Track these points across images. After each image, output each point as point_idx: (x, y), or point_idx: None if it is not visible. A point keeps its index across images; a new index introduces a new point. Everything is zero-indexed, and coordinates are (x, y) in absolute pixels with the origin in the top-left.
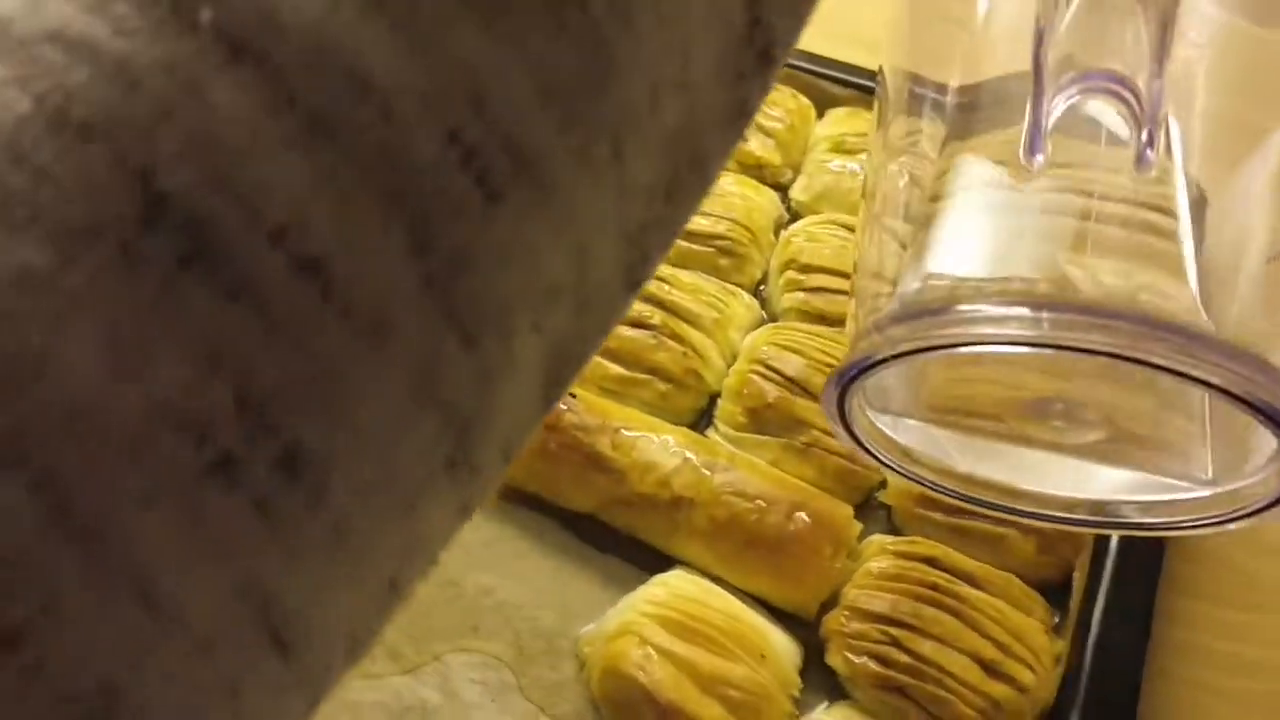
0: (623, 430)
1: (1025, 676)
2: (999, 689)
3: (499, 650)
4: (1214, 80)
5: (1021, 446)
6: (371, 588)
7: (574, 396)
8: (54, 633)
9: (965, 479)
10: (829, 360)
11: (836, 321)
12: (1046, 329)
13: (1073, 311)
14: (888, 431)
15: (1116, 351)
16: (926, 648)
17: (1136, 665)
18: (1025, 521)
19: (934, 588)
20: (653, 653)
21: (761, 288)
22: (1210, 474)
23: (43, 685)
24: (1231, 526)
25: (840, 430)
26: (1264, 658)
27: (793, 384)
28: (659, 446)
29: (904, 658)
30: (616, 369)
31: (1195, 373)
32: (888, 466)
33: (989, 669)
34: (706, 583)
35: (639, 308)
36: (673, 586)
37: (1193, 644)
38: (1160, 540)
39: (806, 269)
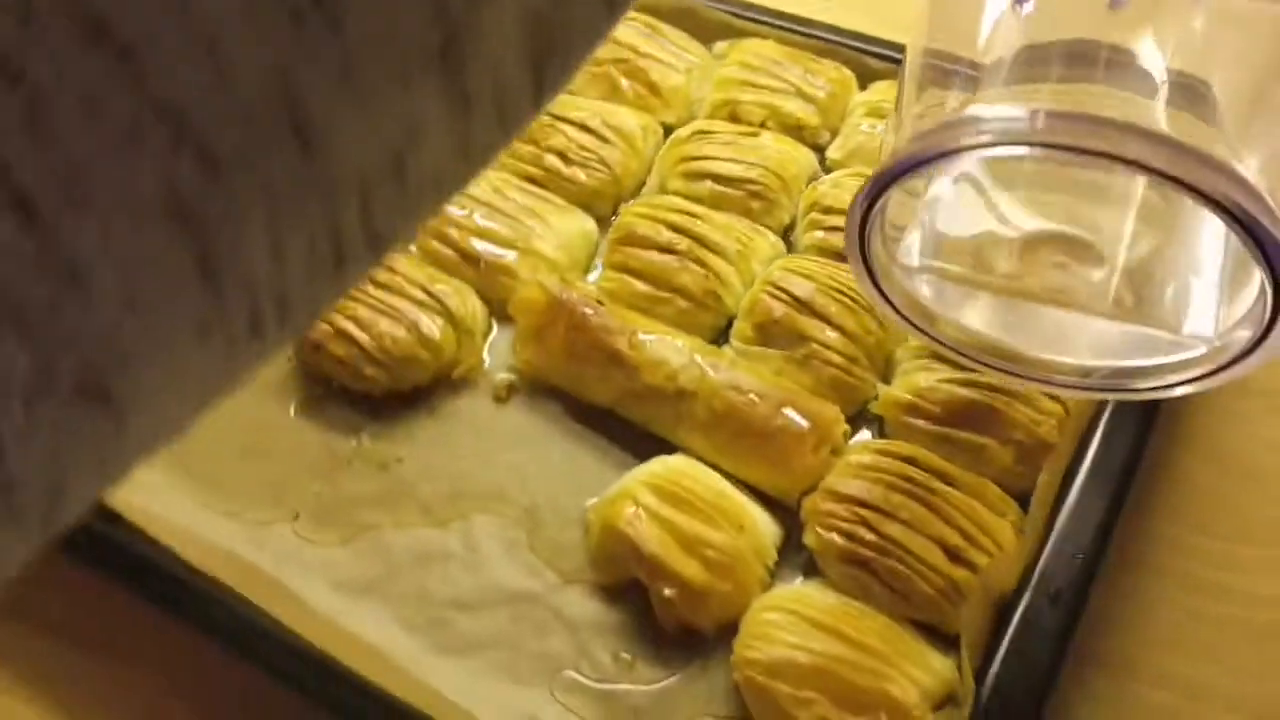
0: (640, 334)
1: (986, 564)
2: (960, 573)
3: (517, 515)
4: None
5: (1034, 303)
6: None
7: (601, 304)
8: None
9: (978, 342)
10: (838, 286)
11: None
12: (1041, 128)
13: (1066, 118)
14: (906, 284)
15: (1105, 150)
16: (893, 529)
17: (1090, 557)
18: (1033, 386)
19: (908, 480)
20: (643, 513)
21: (790, 236)
22: (1212, 329)
23: None
24: (1222, 377)
25: (860, 269)
26: (1215, 580)
27: (799, 303)
28: (670, 348)
29: (870, 535)
30: (644, 287)
31: (1173, 172)
32: (904, 319)
33: (952, 555)
34: (702, 465)
35: (668, 236)
36: (670, 464)
37: (1148, 561)
38: (1133, 459)
39: (828, 210)
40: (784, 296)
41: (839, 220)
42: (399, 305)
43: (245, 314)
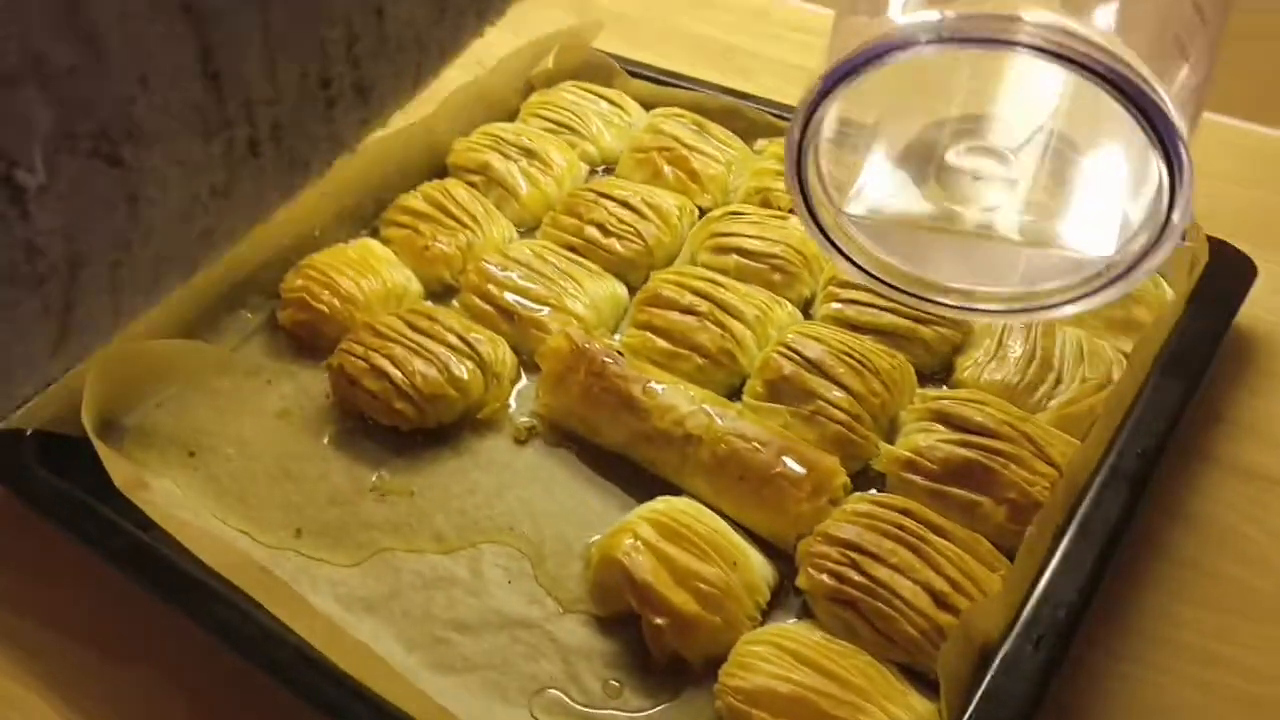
0: (653, 382)
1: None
2: (945, 618)
3: (524, 547)
4: None
5: (953, 234)
6: None
7: (621, 355)
8: None
9: (904, 275)
10: (848, 350)
11: (865, 329)
12: (950, 24)
13: (971, 16)
14: (835, 210)
15: (1002, 38)
16: (882, 572)
17: (1073, 617)
18: (952, 314)
19: (901, 528)
20: (641, 545)
21: (810, 310)
22: (1114, 246)
23: None
24: (1117, 288)
25: (795, 190)
26: (1202, 647)
27: (809, 363)
28: (680, 395)
29: (859, 577)
30: (664, 344)
31: (1066, 52)
32: (833, 247)
33: (939, 600)
34: (702, 506)
35: (690, 299)
36: (672, 503)
37: (1131, 624)
38: (1122, 522)
39: (844, 284)
40: (795, 356)
41: (854, 294)
42: (433, 348)
43: (244, 128)
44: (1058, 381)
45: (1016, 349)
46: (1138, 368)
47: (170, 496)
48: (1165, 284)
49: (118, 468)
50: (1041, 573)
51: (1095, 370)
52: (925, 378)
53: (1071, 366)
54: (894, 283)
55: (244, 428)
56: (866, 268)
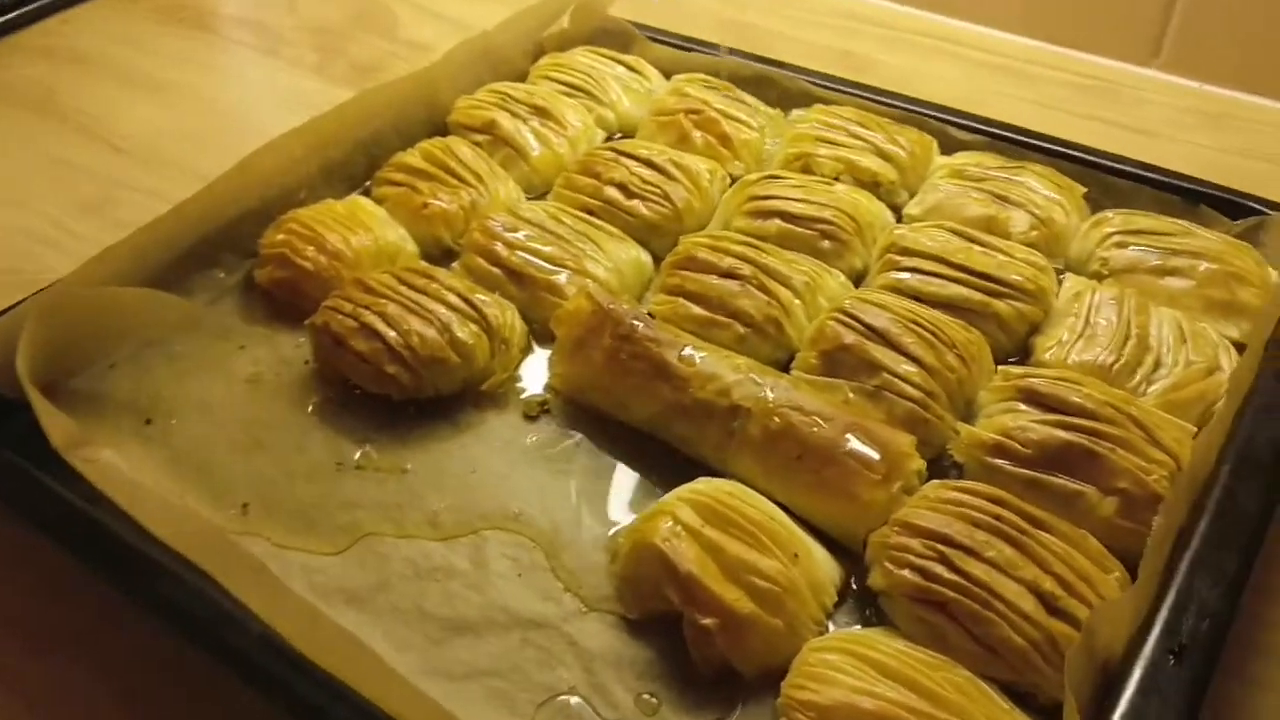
0: (690, 348)
1: (1086, 615)
2: (1058, 625)
3: (535, 535)
4: None
5: None
6: None
7: (652, 316)
8: None
9: None
10: (915, 318)
11: (930, 303)
12: None
13: None
14: None
15: None
16: (977, 569)
17: (1221, 620)
18: None
19: (996, 518)
20: (681, 530)
21: (862, 284)
22: None
23: None
24: None
25: None
26: None
27: (872, 331)
28: (724, 363)
29: (950, 574)
30: (699, 310)
31: None
32: None
33: (1048, 605)
34: (751, 490)
35: (730, 262)
36: (716, 484)
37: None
38: (1262, 515)
39: (906, 252)
40: (855, 324)
41: (919, 262)
42: (433, 307)
43: None
44: (1157, 365)
45: (1106, 325)
46: (1255, 350)
47: (115, 463)
48: (1269, 267)
49: (55, 425)
50: (1171, 573)
51: (1200, 353)
52: (1000, 364)
53: (1173, 349)
54: None
55: (209, 392)
56: None
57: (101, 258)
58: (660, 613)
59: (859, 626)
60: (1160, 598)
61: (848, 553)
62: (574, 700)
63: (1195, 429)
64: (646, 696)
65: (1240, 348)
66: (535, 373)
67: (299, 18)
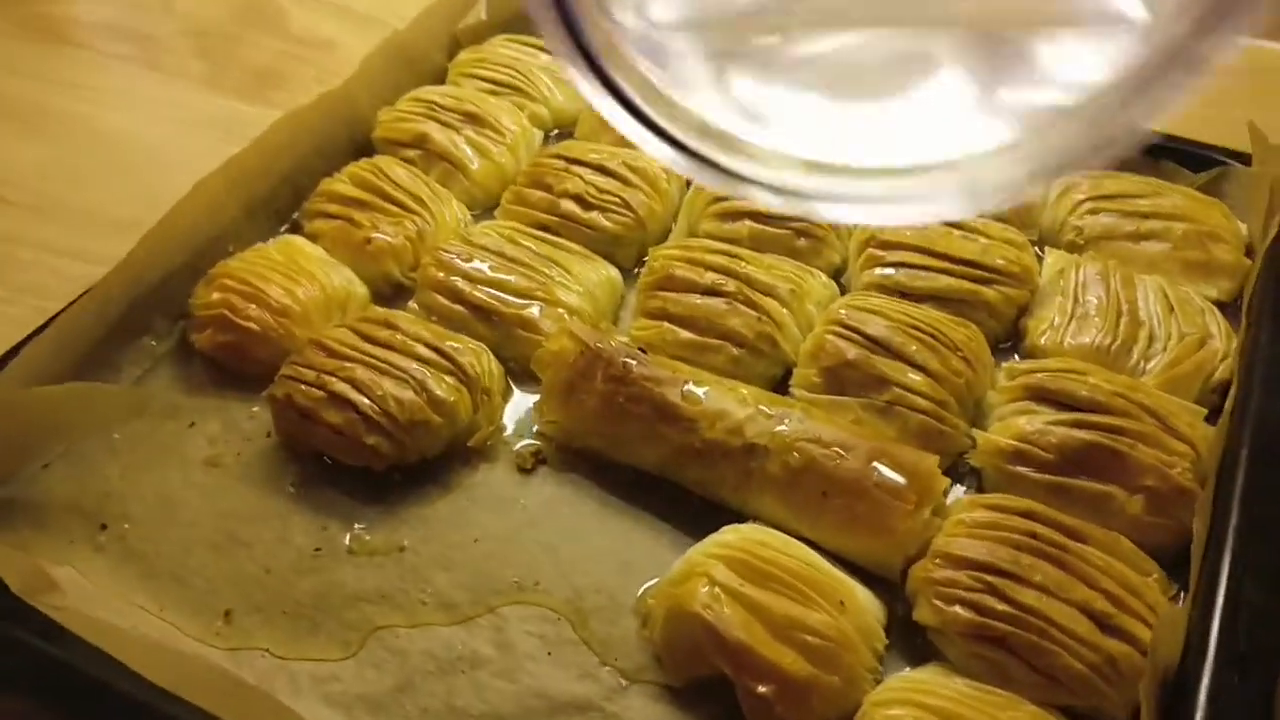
0: (692, 383)
1: (1143, 633)
2: (1114, 645)
3: (557, 605)
4: None
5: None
6: None
7: (644, 352)
8: None
9: (741, 144)
10: (914, 323)
11: (918, 297)
12: None
13: None
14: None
15: None
16: (1028, 596)
17: (1272, 619)
18: (849, 216)
19: (1033, 536)
20: (720, 593)
21: (842, 279)
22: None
23: None
24: (1178, 74)
25: (552, 26)
26: None
27: (873, 342)
28: (731, 397)
29: (1002, 606)
30: (687, 334)
31: None
32: (605, 90)
33: (1101, 623)
34: (779, 533)
35: (712, 277)
36: (744, 533)
37: None
38: None
39: (886, 245)
40: (855, 336)
41: (901, 255)
42: (404, 364)
43: None
44: (1151, 340)
45: (1095, 304)
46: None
47: (86, 593)
48: (1236, 219)
49: (10, 565)
50: (1214, 576)
51: (1190, 323)
52: (993, 350)
53: (1163, 320)
54: (725, 159)
55: (166, 484)
56: (671, 130)
57: (24, 359)
58: (706, 676)
59: (908, 668)
60: (1209, 603)
61: (884, 582)
62: None
63: (1204, 410)
64: None
65: (1221, 306)
66: (519, 417)
67: (177, 20)
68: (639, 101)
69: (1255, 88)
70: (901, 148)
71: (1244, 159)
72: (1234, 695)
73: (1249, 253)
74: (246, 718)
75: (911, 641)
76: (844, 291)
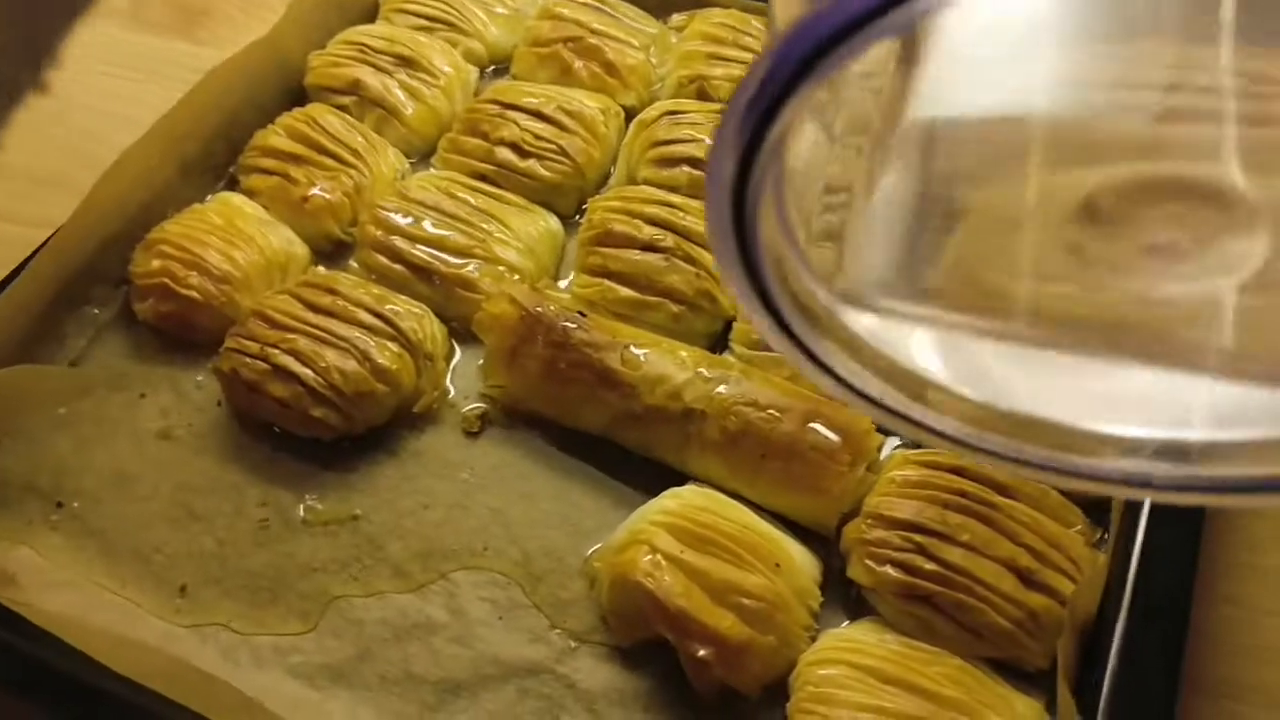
0: (632, 346)
1: (1064, 586)
2: (1036, 599)
3: (508, 569)
4: None
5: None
6: None
7: (583, 315)
8: None
9: (955, 402)
10: None
11: None
12: None
13: None
14: (827, 305)
15: None
16: (955, 555)
17: (1186, 575)
18: (1063, 482)
19: (963, 494)
20: (662, 560)
21: None
22: None
23: None
24: None
25: (734, 267)
26: None
27: None
28: (670, 361)
29: (930, 565)
30: (628, 292)
31: None
32: (823, 371)
33: (1025, 578)
34: (720, 495)
35: (650, 231)
36: (685, 498)
37: (1249, 564)
38: None
39: (830, 189)
40: None
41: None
42: (345, 333)
43: None
44: None
45: None
46: None
47: (43, 577)
48: None
49: None
50: (1132, 527)
51: None
52: None
53: None
54: (958, 433)
55: (120, 458)
56: (898, 408)
57: None
58: (652, 638)
59: (846, 619)
60: (1126, 554)
61: (821, 537)
62: None
63: None
64: None
65: None
66: (464, 377)
67: None
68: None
69: None
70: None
71: None
72: (1146, 641)
73: None
74: (210, 705)
75: (847, 594)
76: None
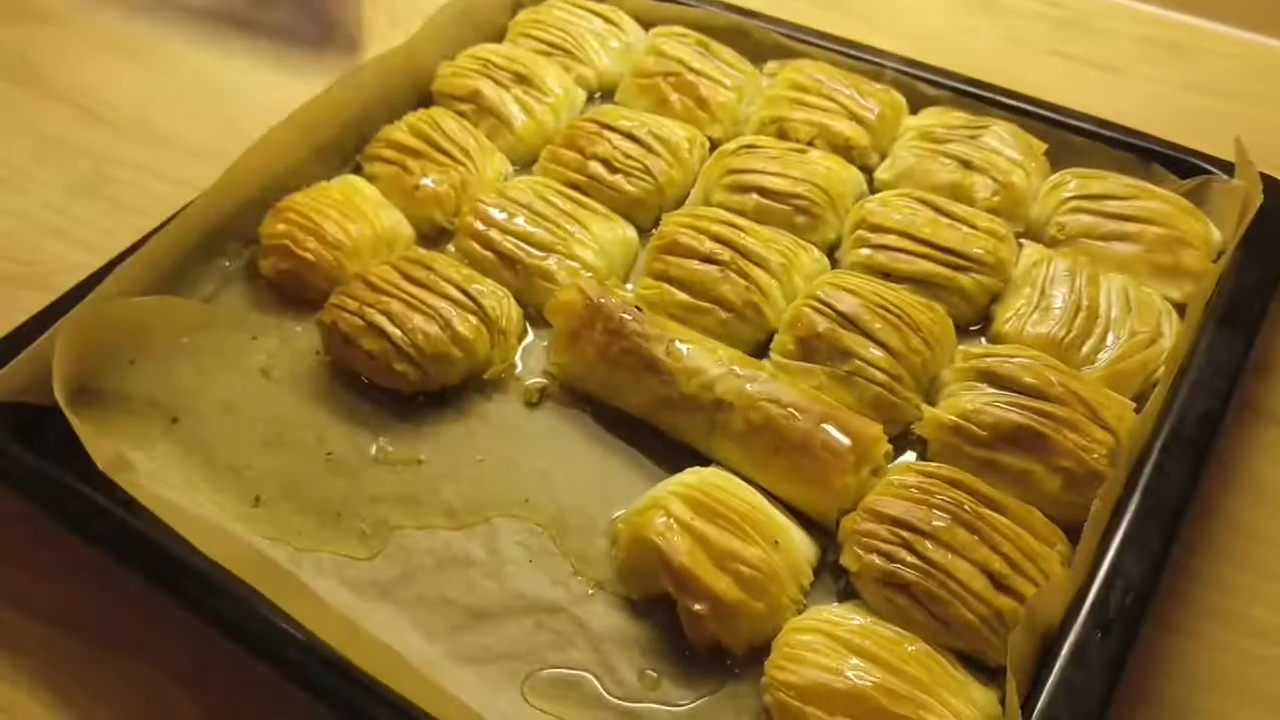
0: (678, 341)
1: (1031, 592)
2: (1004, 601)
3: (542, 521)
4: None
5: None
6: None
7: (639, 310)
8: None
9: None
10: (884, 303)
11: (898, 278)
12: None
13: None
14: None
15: None
16: (935, 553)
17: (1143, 599)
18: None
19: (953, 503)
20: (674, 523)
21: (836, 254)
22: None
23: None
24: None
25: None
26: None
27: (844, 318)
28: (708, 357)
29: (911, 558)
30: (683, 296)
31: None
32: None
33: (997, 582)
34: (736, 478)
35: (711, 246)
36: (704, 475)
37: (1216, 605)
38: (1186, 495)
39: (876, 229)
40: (828, 311)
41: (888, 239)
42: (434, 303)
43: None
44: (1105, 334)
45: (1060, 298)
46: (1192, 323)
47: (155, 474)
48: (1213, 225)
49: (99, 448)
50: (1104, 550)
51: (1144, 322)
52: (962, 331)
53: (1119, 318)
54: None
55: (230, 389)
56: None
57: (119, 275)
58: (658, 594)
59: (835, 602)
60: (1093, 574)
61: (822, 528)
62: (586, 677)
63: (1135, 405)
64: (649, 673)
65: (1182, 309)
66: (532, 355)
67: None
68: None
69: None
70: None
71: (1234, 170)
72: (1094, 651)
73: (1219, 259)
74: (276, 589)
75: (839, 581)
76: (835, 267)
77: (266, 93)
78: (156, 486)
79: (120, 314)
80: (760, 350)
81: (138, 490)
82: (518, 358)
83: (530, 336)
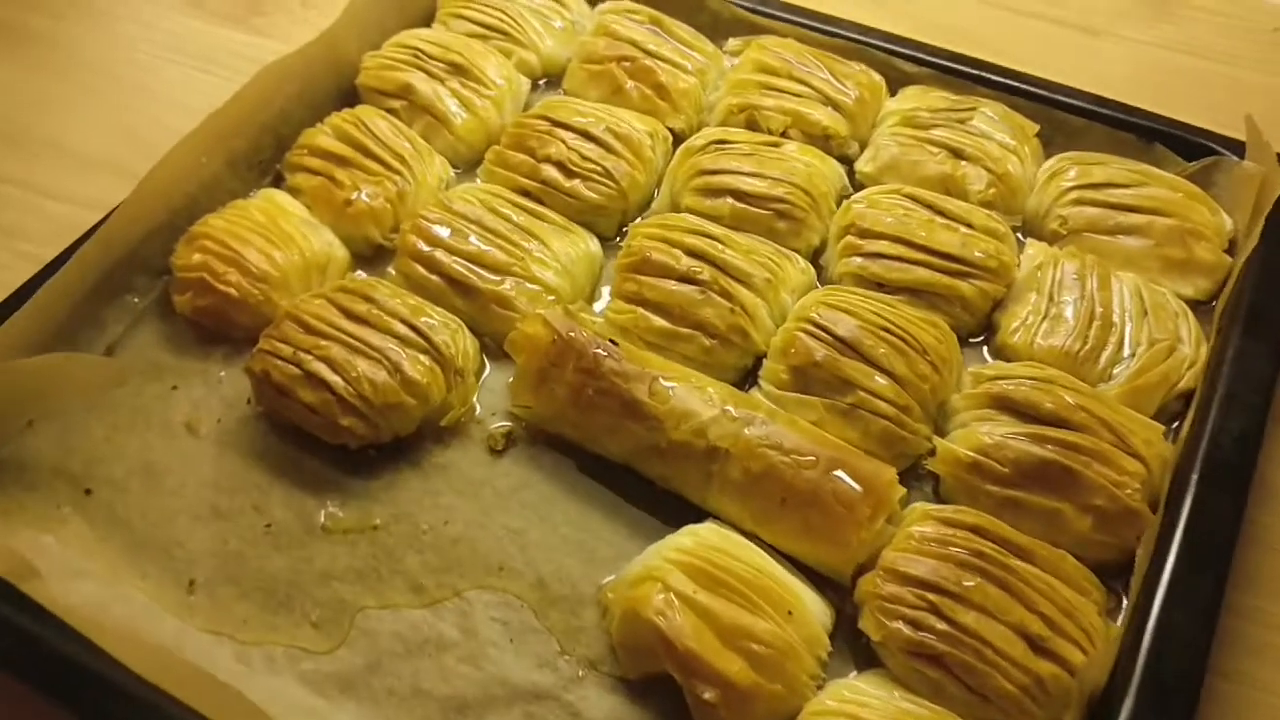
0: (661, 379)
1: (1074, 656)
2: (1045, 666)
3: (522, 591)
4: None
5: None
6: None
7: (614, 344)
8: None
9: None
10: (885, 323)
11: (894, 289)
12: None
13: None
14: None
15: None
16: (967, 617)
17: (1198, 654)
18: None
19: (979, 556)
20: (674, 599)
21: (820, 260)
22: None
23: None
24: None
25: None
26: None
27: (842, 344)
28: (698, 397)
29: (941, 625)
30: (661, 322)
31: None
32: None
33: (1035, 645)
34: (737, 536)
35: (688, 263)
36: (701, 537)
37: (1264, 642)
38: (1232, 528)
39: (865, 234)
40: (824, 336)
41: (879, 246)
42: (379, 343)
43: None
44: (1121, 343)
45: (1071, 306)
46: (1215, 329)
47: (70, 563)
48: (1224, 213)
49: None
50: (1148, 602)
51: (1161, 327)
52: (964, 343)
53: (1135, 325)
54: None
55: (150, 450)
56: None
57: (7, 328)
58: (658, 672)
59: (854, 669)
60: (1140, 630)
61: (835, 583)
62: None
63: (1164, 428)
64: None
65: (1194, 305)
66: (492, 392)
67: None
68: None
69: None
70: None
71: (1240, 148)
72: None
73: (1231, 247)
74: (219, 709)
75: (857, 641)
76: (820, 274)
77: (173, 91)
78: (71, 586)
79: (9, 376)
80: (748, 376)
81: (50, 602)
82: (476, 399)
83: (489, 370)
